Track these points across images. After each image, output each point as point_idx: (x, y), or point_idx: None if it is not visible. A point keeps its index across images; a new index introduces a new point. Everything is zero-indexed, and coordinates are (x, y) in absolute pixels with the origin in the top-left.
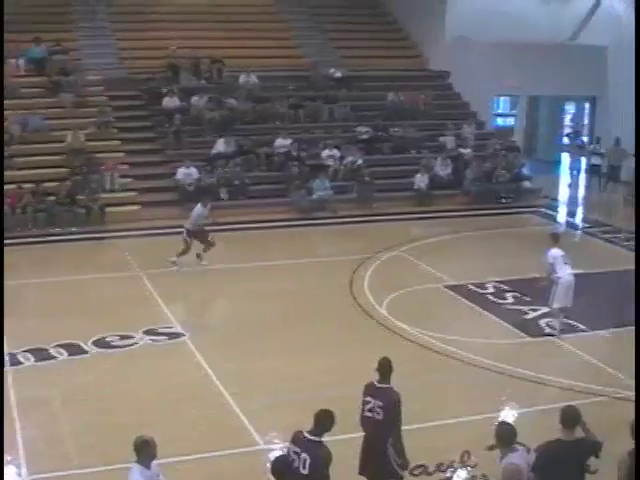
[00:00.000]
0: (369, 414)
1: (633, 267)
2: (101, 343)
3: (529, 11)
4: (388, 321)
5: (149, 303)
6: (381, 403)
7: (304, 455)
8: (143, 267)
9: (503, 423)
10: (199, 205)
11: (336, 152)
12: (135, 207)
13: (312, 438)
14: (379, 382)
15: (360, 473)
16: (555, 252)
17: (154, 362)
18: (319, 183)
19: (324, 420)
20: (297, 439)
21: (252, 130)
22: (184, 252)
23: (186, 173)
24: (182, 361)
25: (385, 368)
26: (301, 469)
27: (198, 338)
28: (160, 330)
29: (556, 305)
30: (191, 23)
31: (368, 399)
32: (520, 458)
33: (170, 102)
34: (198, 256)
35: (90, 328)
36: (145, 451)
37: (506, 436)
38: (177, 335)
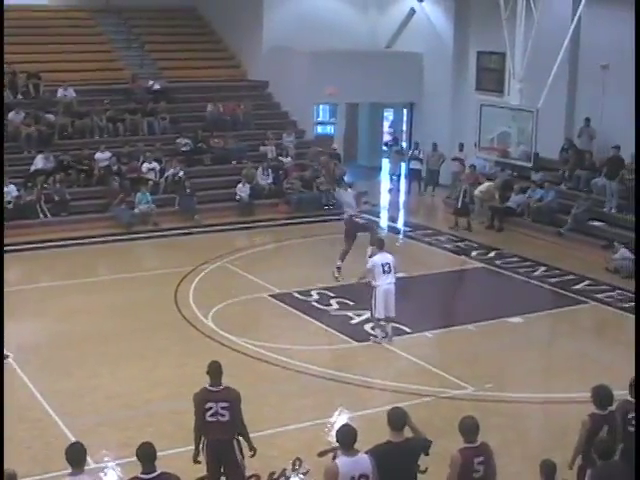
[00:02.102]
0: (212, 419)
1: (454, 269)
2: None
3: (346, 20)
4: (215, 333)
5: None
6: (226, 404)
7: None
8: None
9: (343, 425)
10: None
11: (156, 165)
12: None
13: (152, 476)
14: (213, 385)
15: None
16: (376, 259)
17: None
18: (141, 197)
19: (149, 453)
20: None
21: (71, 145)
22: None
23: (5, 191)
24: (8, 383)
25: (216, 371)
26: None
27: (23, 359)
28: None
29: (377, 315)
30: (6, 37)
31: (209, 405)
32: (347, 461)
33: None
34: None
35: None
36: None
37: (343, 438)
38: None
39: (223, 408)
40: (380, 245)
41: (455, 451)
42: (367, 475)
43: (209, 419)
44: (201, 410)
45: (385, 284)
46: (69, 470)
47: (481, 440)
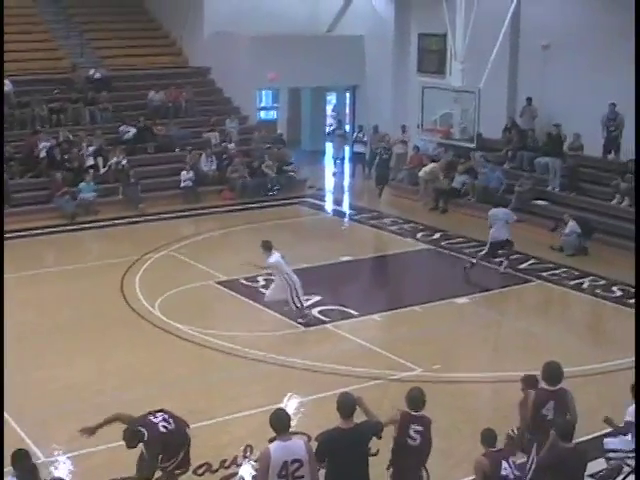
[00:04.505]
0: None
1: (400, 251)
2: None
3: (287, 4)
4: (163, 322)
5: None
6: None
7: None
8: None
9: (276, 410)
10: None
11: (99, 154)
12: None
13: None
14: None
15: None
16: (276, 258)
17: None
18: (84, 186)
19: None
20: None
21: (12, 136)
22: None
23: None
24: None
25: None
26: None
27: None
28: None
29: (300, 305)
30: None
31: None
32: (280, 446)
33: None
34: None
35: None
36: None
37: (276, 423)
38: None
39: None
40: (268, 247)
41: (398, 411)
42: (300, 460)
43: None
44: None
45: (293, 273)
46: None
47: (424, 413)
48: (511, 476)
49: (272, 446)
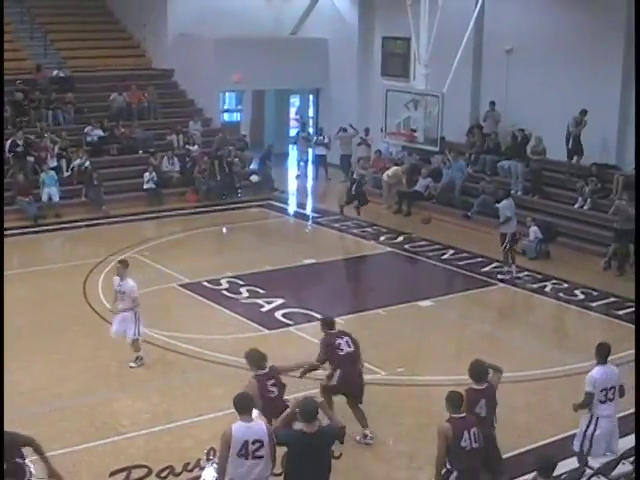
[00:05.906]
0: None
1: (363, 254)
2: None
3: (251, 6)
4: None
5: None
6: None
7: None
8: None
9: (240, 392)
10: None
11: (62, 155)
12: None
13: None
14: None
15: None
16: (133, 283)
17: None
18: (46, 177)
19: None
20: None
21: None
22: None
23: None
24: None
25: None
26: None
27: None
28: None
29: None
30: None
31: None
32: (242, 426)
33: None
34: None
35: None
36: None
37: (239, 403)
38: None
39: None
40: (126, 265)
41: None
42: (261, 440)
43: None
44: None
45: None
46: None
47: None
48: (468, 448)
49: (234, 425)
